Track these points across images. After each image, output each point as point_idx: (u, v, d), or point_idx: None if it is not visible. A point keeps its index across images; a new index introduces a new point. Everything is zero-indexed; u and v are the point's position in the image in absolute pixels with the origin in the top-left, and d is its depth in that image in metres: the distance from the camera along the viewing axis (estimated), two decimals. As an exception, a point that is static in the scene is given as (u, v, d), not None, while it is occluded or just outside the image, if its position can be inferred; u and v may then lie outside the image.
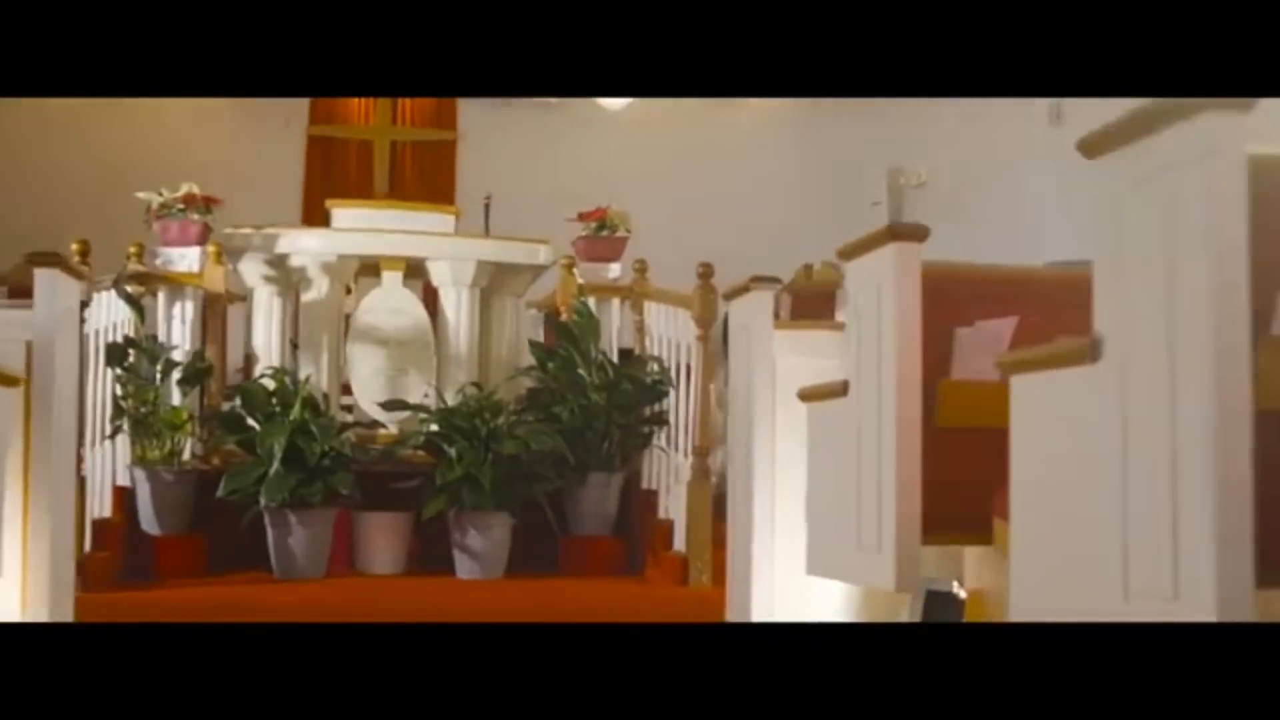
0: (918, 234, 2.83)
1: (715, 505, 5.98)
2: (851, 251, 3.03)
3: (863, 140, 10.61)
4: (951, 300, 2.94)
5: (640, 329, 6.99)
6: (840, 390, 3.08)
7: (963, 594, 3.51)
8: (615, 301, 7.13)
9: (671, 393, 6.53)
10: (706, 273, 6.08)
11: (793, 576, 3.84)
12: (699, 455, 6.04)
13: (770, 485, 3.89)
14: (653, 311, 6.87)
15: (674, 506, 6.29)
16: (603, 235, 7.19)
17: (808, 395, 3.37)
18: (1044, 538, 2.16)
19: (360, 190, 9.60)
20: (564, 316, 6.92)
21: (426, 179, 10.66)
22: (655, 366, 6.66)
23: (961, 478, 2.93)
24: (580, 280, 7.08)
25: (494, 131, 10.30)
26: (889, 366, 2.83)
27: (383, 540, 6.31)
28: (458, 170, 10.69)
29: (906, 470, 2.79)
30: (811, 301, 7.89)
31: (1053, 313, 2.91)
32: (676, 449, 6.44)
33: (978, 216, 10.17)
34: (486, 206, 8.04)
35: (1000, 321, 2.88)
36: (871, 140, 10.60)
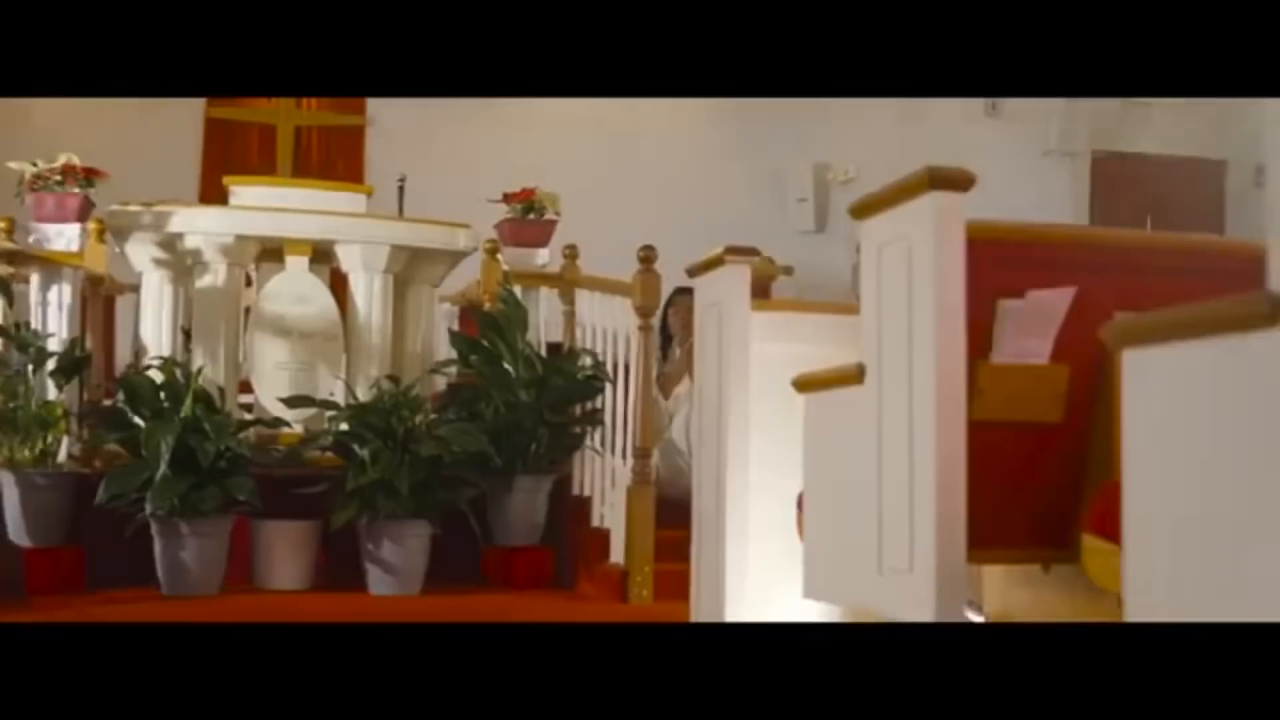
0: (961, 181, 2.29)
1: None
2: (870, 207, 2.48)
3: (792, 135, 10.19)
4: (992, 266, 2.40)
5: (570, 320, 6.43)
6: (854, 376, 2.54)
7: (979, 619, 2.99)
8: (542, 291, 6.55)
9: (607, 389, 5.97)
10: (649, 257, 5.52)
11: (770, 588, 3.32)
12: (640, 457, 5.48)
13: (744, 487, 3.35)
14: (585, 301, 6.30)
15: (610, 514, 5.73)
16: (530, 218, 6.59)
17: (807, 383, 2.83)
18: (1180, 553, 1.63)
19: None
20: (487, 305, 6.33)
21: (333, 165, 9.97)
22: (588, 360, 6.10)
23: (1010, 482, 2.42)
24: (505, 266, 6.49)
25: (406, 116, 9.61)
26: (925, 346, 2.29)
27: (286, 552, 5.66)
28: (367, 156, 10.01)
29: (947, 473, 2.25)
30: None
31: (1117, 279, 2.41)
32: (612, 451, 5.88)
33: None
34: (400, 189, 7.40)
35: (1055, 292, 2.36)
36: (802, 135, 10.22)
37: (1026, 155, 9.91)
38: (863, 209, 2.51)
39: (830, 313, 3.51)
